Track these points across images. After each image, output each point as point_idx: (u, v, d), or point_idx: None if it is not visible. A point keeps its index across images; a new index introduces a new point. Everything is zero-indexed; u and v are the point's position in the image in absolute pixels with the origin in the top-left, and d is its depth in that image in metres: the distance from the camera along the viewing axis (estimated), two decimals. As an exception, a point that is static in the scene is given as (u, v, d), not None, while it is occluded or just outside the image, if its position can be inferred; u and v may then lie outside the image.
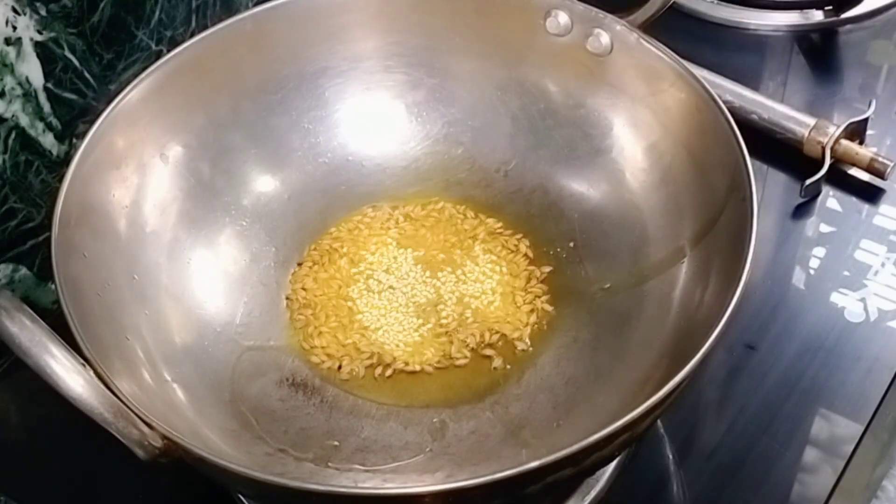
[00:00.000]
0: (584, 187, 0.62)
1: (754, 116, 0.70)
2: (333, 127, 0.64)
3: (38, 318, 0.41)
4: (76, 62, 0.58)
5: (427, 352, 0.56)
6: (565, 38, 0.59)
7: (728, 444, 0.56)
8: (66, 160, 0.59)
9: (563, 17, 0.59)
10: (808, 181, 0.67)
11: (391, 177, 0.64)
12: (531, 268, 0.60)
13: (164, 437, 0.42)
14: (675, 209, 0.57)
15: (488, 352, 0.56)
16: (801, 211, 0.68)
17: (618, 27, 0.57)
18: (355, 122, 0.64)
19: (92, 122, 0.53)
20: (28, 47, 0.55)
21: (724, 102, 0.53)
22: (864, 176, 0.69)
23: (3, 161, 0.56)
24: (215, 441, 0.50)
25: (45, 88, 0.57)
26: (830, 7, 0.79)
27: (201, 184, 0.59)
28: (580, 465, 0.43)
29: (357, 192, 0.64)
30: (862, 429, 0.57)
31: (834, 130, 0.67)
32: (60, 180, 0.51)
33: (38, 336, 0.41)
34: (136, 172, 0.56)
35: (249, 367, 0.56)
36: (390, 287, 0.59)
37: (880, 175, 0.68)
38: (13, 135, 0.56)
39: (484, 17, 0.61)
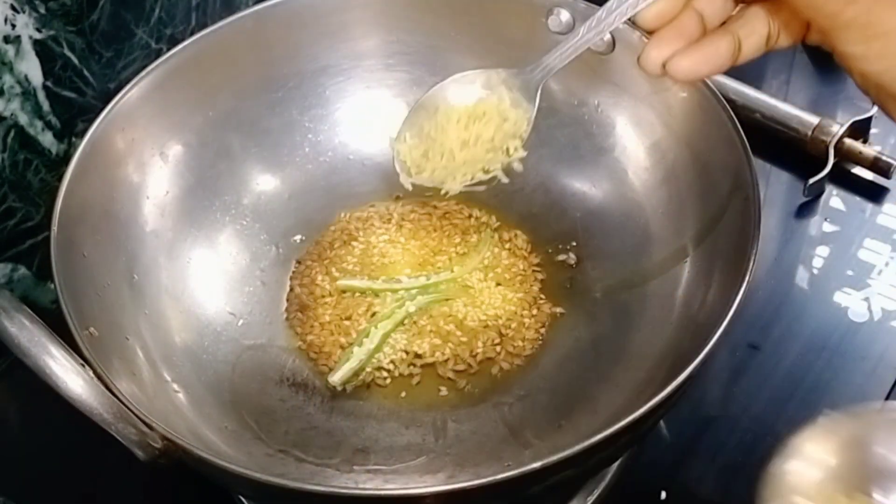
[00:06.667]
0: (586, 186, 0.61)
1: (757, 115, 0.70)
2: (334, 125, 0.64)
3: (37, 317, 0.41)
4: (75, 60, 0.58)
5: (428, 352, 0.56)
6: (567, 36, 0.59)
7: (731, 444, 0.56)
8: (65, 159, 0.59)
9: (564, 16, 0.58)
10: (812, 180, 0.67)
11: (392, 176, 0.64)
12: (533, 267, 0.59)
13: (163, 438, 0.42)
14: (678, 208, 0.56)
15: (489, 352, 0.56)
16: (805, 210, 0.68)
17: (620, 25, 0.57)
18: (356, 120, 0.64)
19: (91, 121, 0.53)
20: (27, 45, 0.55)
21: (727, 101, 0.53)
22: (868, 175, 0.68)
23: (2, 160, 0.56)
24: (215, 442, 0.49)
25: (45, 87, 0.57)
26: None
27: (201, 183, 0.59)
28: (583, 466, 0.43)
29: (358, 191, 0.63)
30: (866, 429, 0.57)
31: (837, 129, 0.67)
32: (60, 179, 0.51)
33: (38, 336, 0.41)
34: (135, 171, 0.56)
35: (250, 367, 0.55)
36: (391, 286, 0.58)
37: (884, 174, 0.67)
38: (12, 133, 0.56)
39: (485, 15, 0.61)
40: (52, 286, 0.47)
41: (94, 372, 0.42)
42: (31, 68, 0.55)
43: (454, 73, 0.63)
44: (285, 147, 0.63)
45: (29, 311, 0.41)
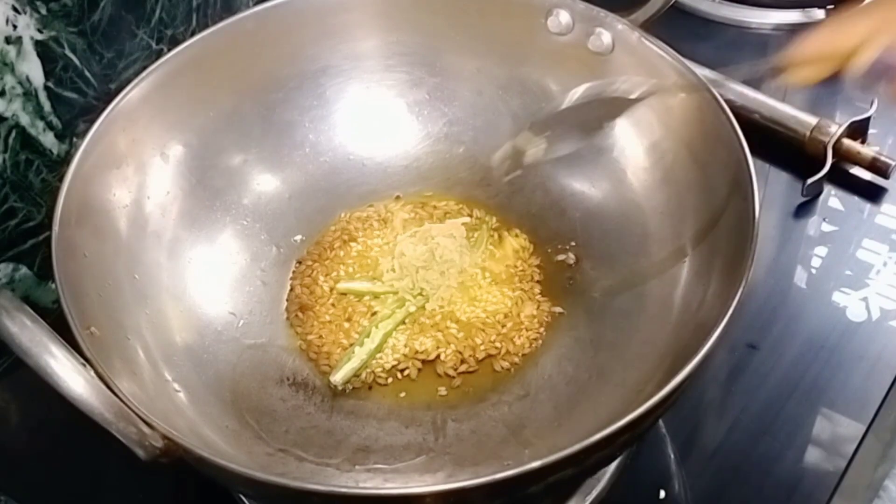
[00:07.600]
0: (585, 186, 0.62)
1: (756, 115, 0.70)
2: (334, 126, 0.64)
3: (38, 317, 0.41)
4: (76, 61, 0.58)
5: (428, 350, 0.56)
6: (567, 36, 0.59)
7: (730, 444, 0.56)
8: (66, 159, 0.59)
9: (564, 16, 0.59)
10: (810, 180, 0.67)
11: (392, 176, 0.64)
12: (532, 267, 0.60)
13: (164, 437, 0.42)
14: (677, 208, 0.57)
15: (489, 350, 0.56)
16: (803, 210, 0.68)
17: (619, 26, 0.57)
18: (356, 121, 0.64)
19: (92, 121, 0.53)
20: (28, 46, 0.55)
21: (726, 101, 0.53)
22: (867, 175, 0.69)
23: (4, 160, 0.56)
24: (216, 441, 0.49)
25: (46, 87, 0.57)
26: (832, 5, 0.79)
27: (202, 183, 0.59)
28: (582, 465, 0.43)
29: (358, 192, 0.64)
30: (864, 428, 0.57)
31: (836, 129, 0.67)
32: (61, 179, 0.51)
33: (39, 336, 0.41)
34: (136, 172, 0.56)
35: (250, 366, 0.56)
36: (391, 286, 0.58)
37: (882, 174, 0.67)
38: (13, 134, 0.56)
39: (485, 16, 0.61)
40: (54, 286, 0.47)
41: (95, 371, 0.42)
42: (32, 69, 0.55)
43: (454, 73, 0.64)
44: (285, 147, 0.63)
45: (30, 310, 0.41)
